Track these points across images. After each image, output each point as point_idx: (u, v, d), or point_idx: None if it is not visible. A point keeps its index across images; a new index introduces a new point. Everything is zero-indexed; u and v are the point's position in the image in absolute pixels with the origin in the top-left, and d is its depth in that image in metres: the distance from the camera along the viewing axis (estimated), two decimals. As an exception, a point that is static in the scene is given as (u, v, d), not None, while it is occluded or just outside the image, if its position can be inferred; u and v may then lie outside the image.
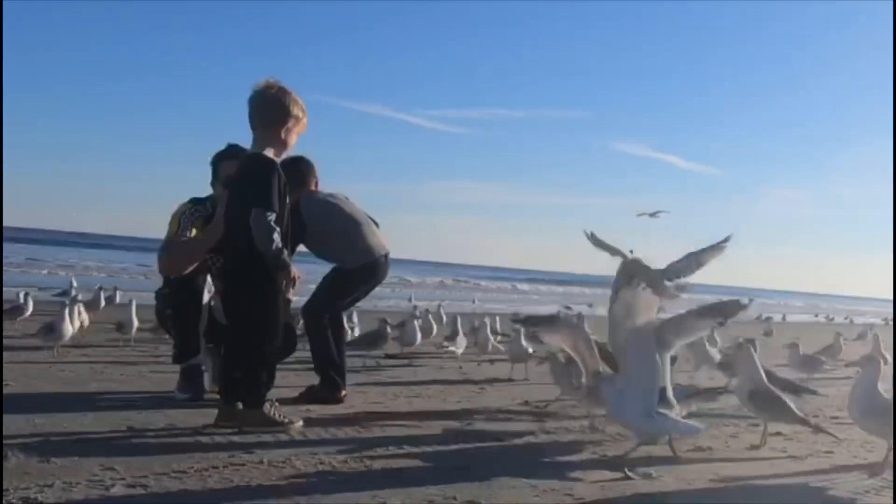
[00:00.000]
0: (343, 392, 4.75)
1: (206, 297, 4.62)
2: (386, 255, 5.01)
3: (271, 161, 3.71)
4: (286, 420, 3.77)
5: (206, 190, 4.72)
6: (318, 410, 4.32)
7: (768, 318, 18.85)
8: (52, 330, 6.00)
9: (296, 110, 3.75)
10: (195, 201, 4.63)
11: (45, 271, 22.38)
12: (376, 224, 5.14)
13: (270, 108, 3.73)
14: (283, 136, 3.76)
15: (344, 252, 4.89)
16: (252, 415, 3.70)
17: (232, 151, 4.61)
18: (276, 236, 3.60)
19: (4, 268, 17.60)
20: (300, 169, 4.85)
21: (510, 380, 6.26)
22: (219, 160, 4.64)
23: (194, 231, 4.50)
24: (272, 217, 3.62)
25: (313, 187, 4.96)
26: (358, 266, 4.89)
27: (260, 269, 3.66)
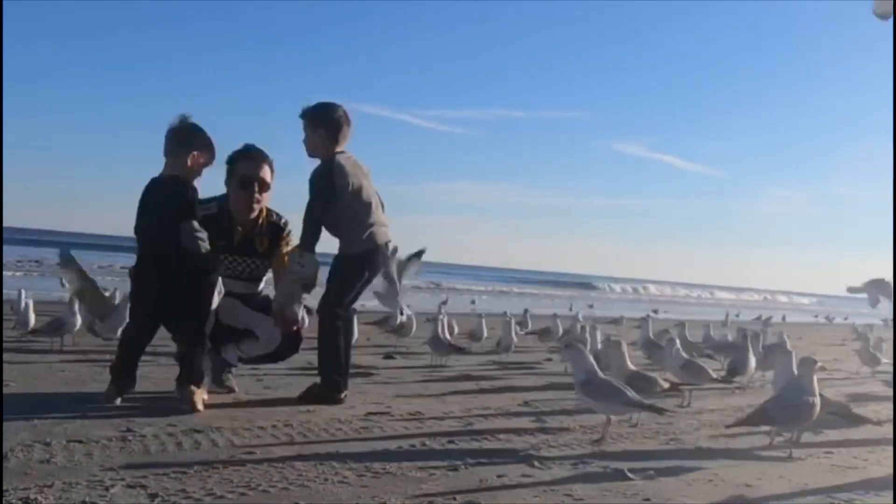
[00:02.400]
0: (343, 393, 4.73)
1: (216, 300, 4.58)
2: (387, 244, 4.87)
3: (186, 181, 4.22)
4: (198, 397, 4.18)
5: (213, 189, 4.75)
6: (318, 410, 4.33)
7: (768, 318, 18.87)
8: (61, 324, 6.31)
9: (197, 142, 4.24)
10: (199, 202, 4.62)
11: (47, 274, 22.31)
12: (383, 207, 4.97)
13: (177, 140, 4.24)
14: (188, 163, 4.22)
15: (350, 234, 4.73)
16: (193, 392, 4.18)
17: (249, 151, 4.63)
18: (203, 245, 4.13)
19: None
20: (338, 121, 4.69)
21: (510, 380, 6.26)
22: (233, 161, 4.64)
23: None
24: (197, 225, 4.13)
25: (342, 148, 4.74)
26: (357, 253, 4.74)
27: (192, 268, 4.18)
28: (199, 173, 4.31)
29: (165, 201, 4.17)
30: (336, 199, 4.61)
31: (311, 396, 4.63)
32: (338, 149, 4.70)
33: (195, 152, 4.23)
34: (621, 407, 3.88)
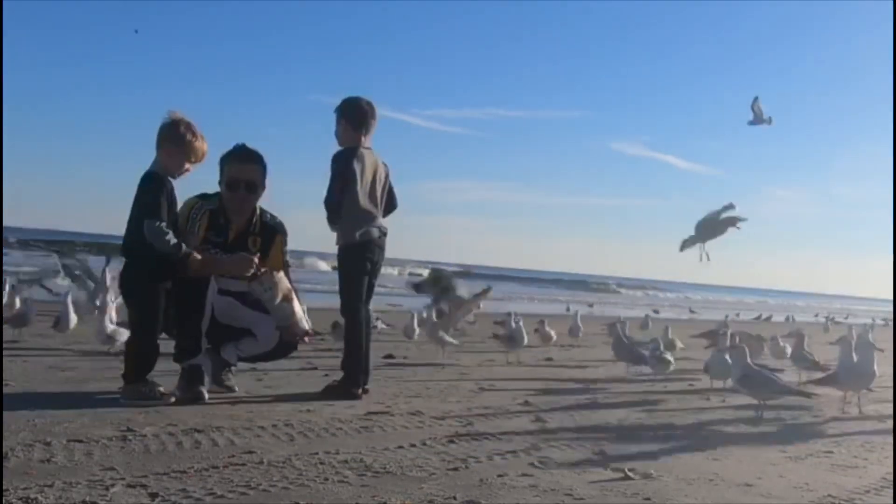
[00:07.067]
0: (360, 389, 4.81)
1: (210, 297, 4.60)
2: (372, 240, 4.91)
3: (159, 177, 4.29)
4: (159, 394, 4.27)
5: (212, 188, 4.75)
6: (318, 410, 4.33)
7: (769, 318, 18.89)
8: (56, 322, 6.57)
9: (172, 140, 4.29)
10: (204, 196, 4.64)
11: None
12: (393, 207, 5.12)
13: (158, 136, 4.33)
14: (164, 159, 4.31)
15: (349, 222, 4.83)
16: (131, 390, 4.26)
17: (238, 152, 4.63)
18: (169, 237, 4.18)
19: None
20: (360, 112, 4.88)
21: (510, 380, 6.26)
22: (224, 161, 4.66)
23: (202, 226, 4.53)
24: (163, 224, 4.18)
25: (368, 142, 4.91)
26: (353, 243, 4.82)
27: (147, 267, 4.25)
28: (177, 169, 4.33)
29: (136, 198, 4.28)
30: (350, 186, 4.76)
31: (330, 392, 4.74)
32: (363, 141, 4.89)
33: (170, 149, 4.30)
34: (774, 394, 4.82)
